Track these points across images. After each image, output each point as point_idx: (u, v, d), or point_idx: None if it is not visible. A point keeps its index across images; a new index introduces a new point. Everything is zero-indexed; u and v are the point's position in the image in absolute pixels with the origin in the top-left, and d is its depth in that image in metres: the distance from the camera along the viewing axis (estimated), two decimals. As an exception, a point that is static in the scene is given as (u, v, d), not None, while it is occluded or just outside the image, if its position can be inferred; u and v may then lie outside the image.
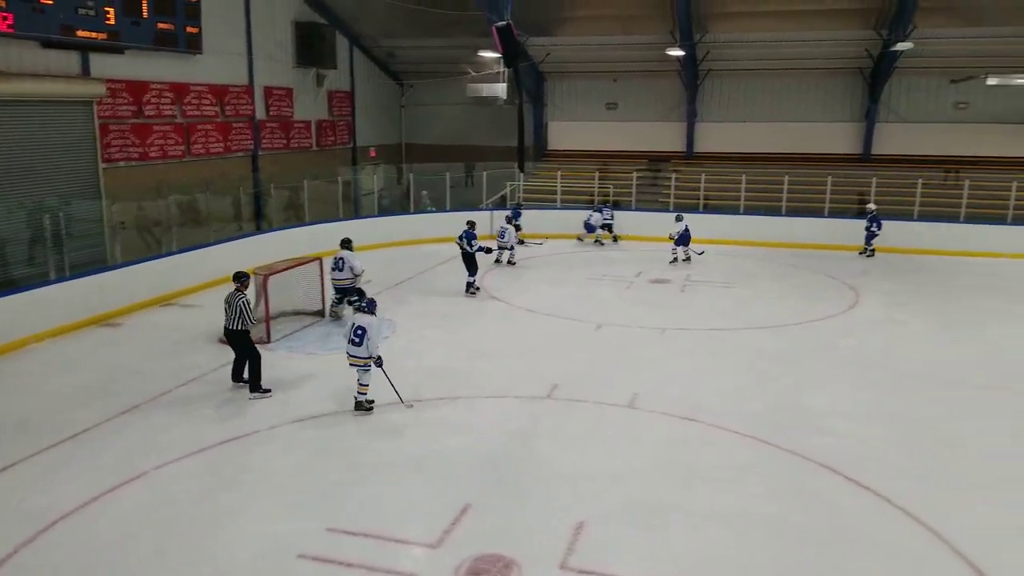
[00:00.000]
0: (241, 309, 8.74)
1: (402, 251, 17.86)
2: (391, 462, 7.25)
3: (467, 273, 13.78)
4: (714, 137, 23.31)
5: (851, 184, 20.20)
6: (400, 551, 5.82)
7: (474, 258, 13.77)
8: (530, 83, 23.57)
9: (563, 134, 24.84)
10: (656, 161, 23.11)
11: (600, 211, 19.23)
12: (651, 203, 21.22)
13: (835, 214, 19.33)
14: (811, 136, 22.54)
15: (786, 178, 19.85)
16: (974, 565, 5.60)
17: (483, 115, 24.21)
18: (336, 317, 12.00)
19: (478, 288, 13.86)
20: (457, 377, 9.53)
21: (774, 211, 19.81)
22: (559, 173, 21.43)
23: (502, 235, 16.09)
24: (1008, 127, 21.08)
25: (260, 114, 19.40)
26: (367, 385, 8.34)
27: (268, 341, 10.69)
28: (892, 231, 17.91)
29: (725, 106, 23.23)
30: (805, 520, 6.28)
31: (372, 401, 8.43)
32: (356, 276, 11.64)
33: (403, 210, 20.36)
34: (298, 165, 20.20)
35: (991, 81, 18.43)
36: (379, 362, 8.22)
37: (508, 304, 13.29)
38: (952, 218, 18.52)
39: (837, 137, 22.49)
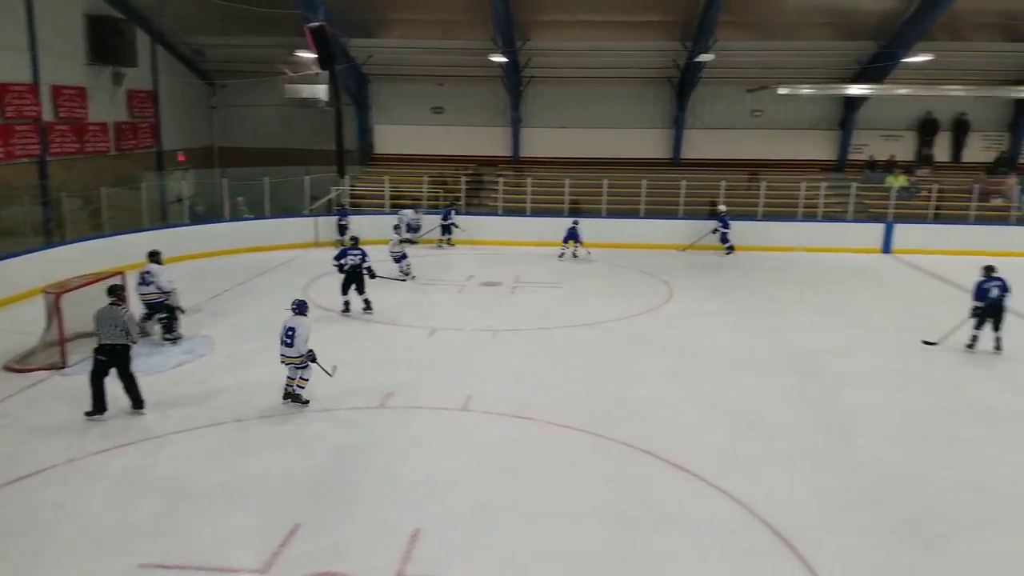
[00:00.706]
0: (125, 323, 8.04)
1: (217, 262, 16.82)
2: (211, 488, 6.74)
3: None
4: (539, 142, 23.97)
5: (664, 187, 21.46)
6: (223, 582, 5.39)
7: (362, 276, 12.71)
8: (352, 85, 23.02)
9: (389, 138, 24.51)
10: (484, 165, 23.37)
11: (416, 209, 19.36)
12: (480, 207, 21.44)
13: (650, 215, 20.48)
14: (627, 141, 23.78)
15: (605, 181, 20.78)
16: (780, 533, 6.06)
17: (303, 117, 23.36)
18: (145, 334, 10.99)
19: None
20: (278, 395, 8.99)
21: (595, 213, 20.66)
22: (386, 178, 21.12)
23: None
24: (797, 132, 23.40)
25: (48, 116, 17.51)
26: (307, 380, 8.57)
27: (64, 366, 9.62)
28: (702, 230, 19.25)
29: (548, 112, 23.94)
30: (631, 505, 6.55)
31: (307, 401, 8.59)
32: (165, 293, 10.72)
33: (217, 218, 19.16)
34: (95, 171, 18.46)
35: (781, 90, 20.24)
36: (312, 357, 8.47)
37: (335, 313, 12.84)
38: (752, 216, 20.23)
39: (650, 142, 23.86)
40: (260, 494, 6.66)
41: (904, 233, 19.56)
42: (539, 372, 9.93)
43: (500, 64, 21.06)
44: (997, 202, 20.48)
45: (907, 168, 22.23)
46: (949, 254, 18.94)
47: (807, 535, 6.02)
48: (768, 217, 20.30)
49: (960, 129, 23.08)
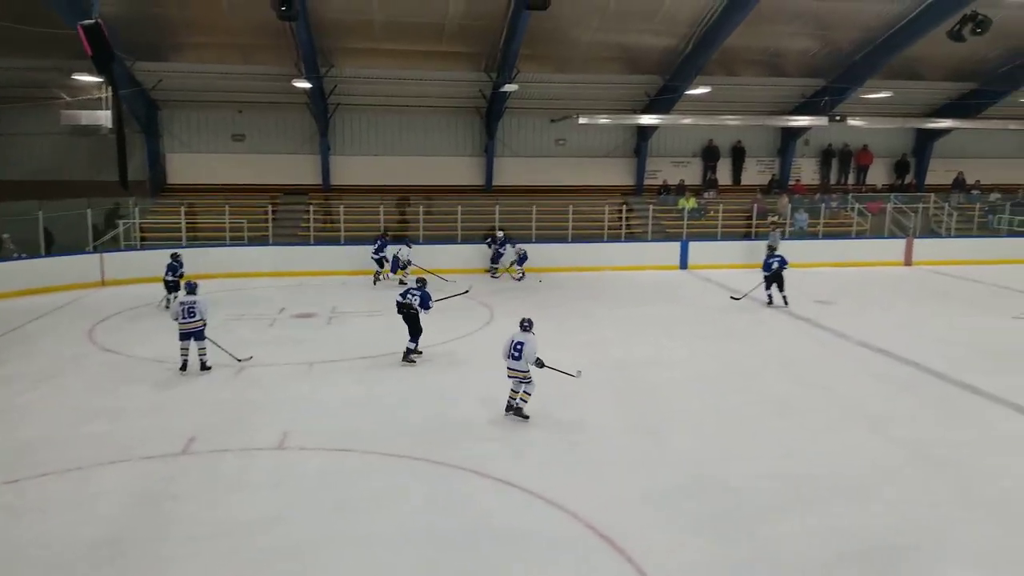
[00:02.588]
0: None
1: (-15, 307, 14.79)
2: (-25, 563, 5.74)
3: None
4: (350, 170, 23.41)
5: (479, 213, 21.82)
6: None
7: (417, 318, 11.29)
8: (140, 112, 21.31)
9: (184, 167, 22.79)
10: (292, 194, 22.48)
11: (408, 244, 18.63)
12: (291, 237, 20.57)
13: (467, 240, 20.68)
14: (440, 169, 23.84)
15: (421, 208, 20.76)
16: (606, 536, 6.16)
17: (84, 146, 21.20)
18: None
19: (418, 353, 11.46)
20: (67, 446, 8.01)
21: (413, 239, 20.54)
22: (183, 209, 19.70)
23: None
24: (598, 159, 24.71)
25: None
26: (531, 395, 8.81)
27: None
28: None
29: (358, 140, 23.52)
30: (459, 525, 6.40)
31: (528, 416, 8.78)
32: None
33: (-18, 258, 16.89)
34: None
35: (582, 120, 21.34)
36: (540, 364, 8.74)
37: (126, 356, 11.66)
38: (562, 239, 21.04)
39: (463, 170, 24.11)
40: (42, 561, 5.79)
41: (697, 250, 21.23)
42: (361, 402, 9.54)
43: (305, 90, 20.42)
44: (773, 219, 22.79)
45: (696, 191, 24.29)
46: (735, 267, 20.86)
47: (632, 535, 6.15)
48: (576, 239, 21.20)
49: (738, 155, 25.55)
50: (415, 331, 11.31)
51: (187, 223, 19.54)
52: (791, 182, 25.66)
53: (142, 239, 19.42)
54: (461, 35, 19.44)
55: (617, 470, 7.55)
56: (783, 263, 15.42)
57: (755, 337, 13.16)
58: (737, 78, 22.31)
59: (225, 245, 19.60)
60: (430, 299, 11.22)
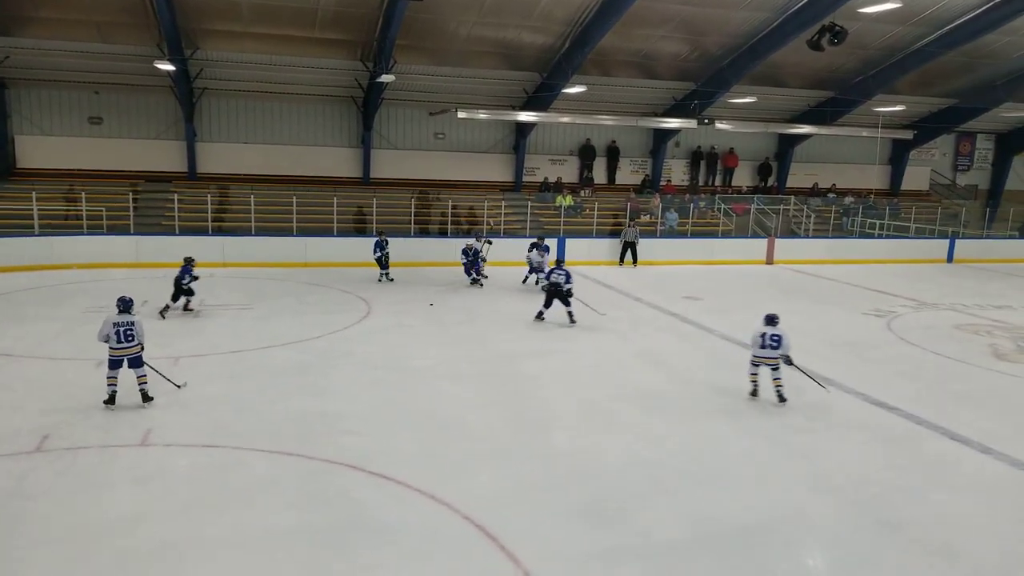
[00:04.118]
0: None
1: None
2: None
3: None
4: (218, 157, 22.52)
5: (356, 204, 21.54)
6: None
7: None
8: (-16, 89, 19.67)
9: (35, 150, 21.21)
10: (155, 182, 21.35)
11: (541, 248, 17.58)
12: (153, 227, 19.57)
13: (342, 233, 20.38)
14: (315, 159, 23.40)
15: (294, 199, 20.26)
16: (482, 527, 6.29)
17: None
18: None
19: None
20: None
21: (286, 231, 20.04)
22: (34, 194, 18.33)
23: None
24: (477, 154, 24.96)
25: None
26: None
27: None
28: (398, 247, 19.61)
29: (227, 127, 22.66)
30: (333, 520, 6.35)
31: (786, 400, 9.64)
32: None
33: None
34: None
35: (461, 114, 21.49)
36: (789, 360, 9.68)
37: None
38: (441, 234, 21.14)
39: (339, 161, 23.74)
40: None
41: (573, 246, 21.85)
42: (232, 397, 9.27)
43: (168, 73, 19.42)
44: (646, 218, 23.82)
45: (573, 189, 24.97)
46: (608, 264, 21.70)
47: (505, 525, 6.29)
48: (455, 235, 21.33)
49: (613, 155, 26.49)
50: (566, 302, 13.87)
51: (39, 210, 18.18)
52: (662, 182, 26.86)
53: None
54: (336, 21, 19.10)
55: (495, 462, 7.68)
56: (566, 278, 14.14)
57: (623, 331, 13.72)
58: (612, 78, 23.11)
59: (82, 234, 18.41)
60: (571, 276, 14.08)
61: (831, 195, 28.31)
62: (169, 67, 18.71)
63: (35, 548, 5.71)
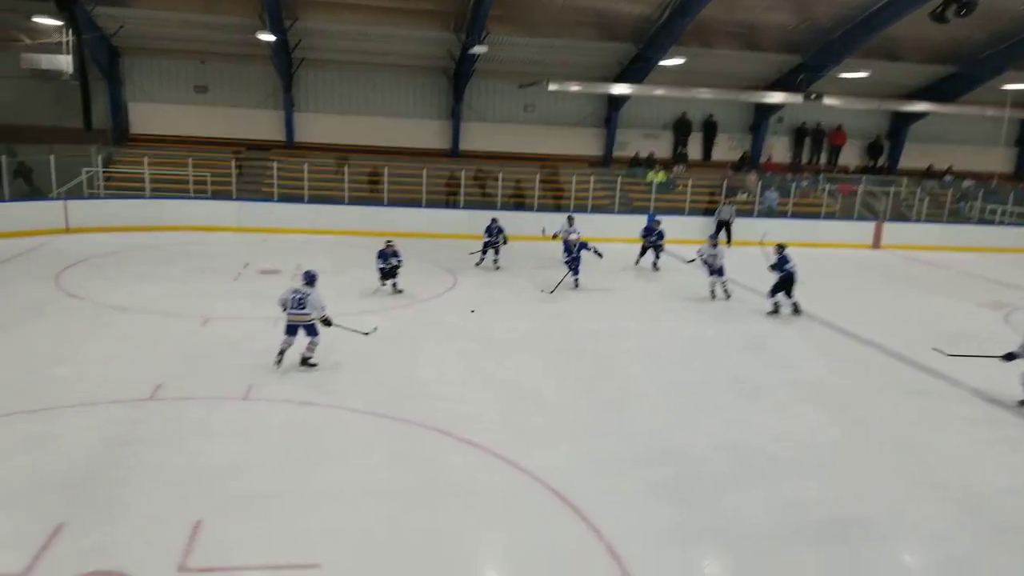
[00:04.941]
0: None
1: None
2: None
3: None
4: (314, 127, 23.14)
5: (445, 177, 21.82)
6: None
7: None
8: (102, 58, 20.75)
9: (147, 117, 22.33)
10: (255, 149, 22.20)
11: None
12: (254, 193, 20.39)
13: (431, 204, 20.72)
14: (405, 131, 23.65)
15: (386, 170, 20.70)
16: (564, 498, 6.39)
17: (46, 92, 20.63)
18: None
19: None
20: (35, 389, 8.08)
21: (377, 202, 20.53)
22: (146, 159, 19.38)
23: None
24: (567, 128, 24.69)
25: None
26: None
27: None
28: (483, 219, 19.79)
29: (323, 97, 23.20)
30: (419, 481, 6.58)
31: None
32: None
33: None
34: None
35: (552, 87, 21.30)
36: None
37: (93, 303, 11.63)
38: (528, 207, 21.18)
39: (429, 133, 23.95)
40: (12, 496, 5.90)
41: (664, 224, 21.45)
42: (323, 360, 9.59)
43: (269, 43, 20.01)
44: (743, 197, 23.15)
45: (665, 165, 24.48)
46: (701, 243, 21.16)
47: (587, 498, 6.36)
48: (542, 208, 21.34)
49: (709, 130, 25.74)
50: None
51: (150, 174, 19.23)
52: (762, 160, 25.98)
53: (105, 188, 19.08)
54: (430, -8, 19.06)
55: (577, 437, 7.74)
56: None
57: (717, 314, 13.49)
58: (712, 50, 22.28)
59: (188, 198, 19.38)
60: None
61: (948, 178, 26.54)
62: (270, 37, 19.28)
63: (150, 487, 6.17)
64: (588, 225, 20.45)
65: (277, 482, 6.39)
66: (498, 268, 16.34)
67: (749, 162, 25.68)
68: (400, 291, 13.44)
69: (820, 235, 22.38)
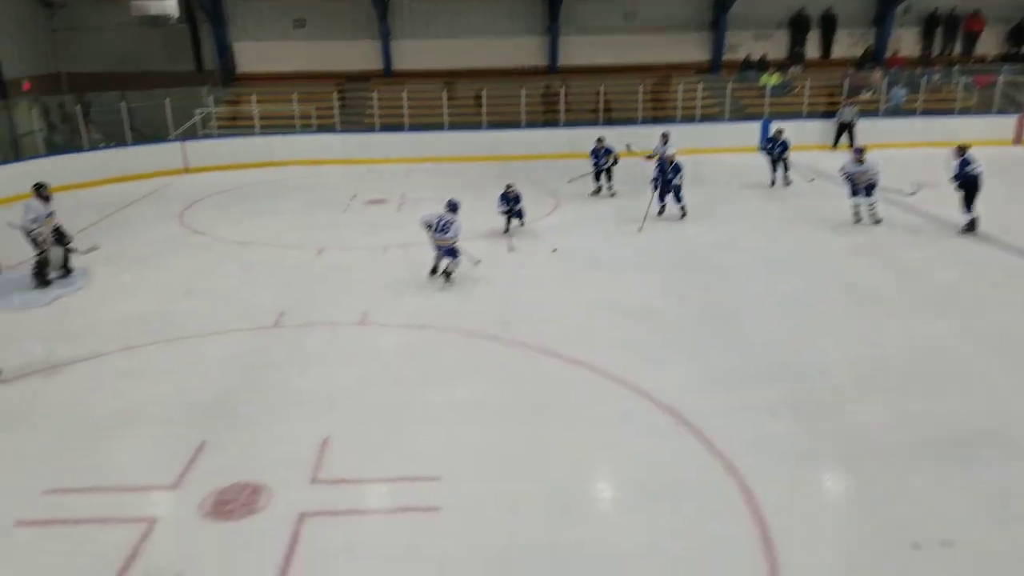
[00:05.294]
0: None
1: (80, 194, 15.57)
2: (107, 416, 6.43)
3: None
4: (410, 54, 23.03)
5: (543, 95, 21.35)
6: (134, 499, 5.28)
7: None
8: (206, 1, 21.29)
9: (251, 56, 22.83)
10: (355, 81, 22.41)
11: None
12: (356, 124, 20.69)
13: (531, 124, 20.40)
14: (501, 51, 23.10)
15: (484, 92, 20.46)
16: (678, 414, 6.33)
17: (155, 37, 21.46)
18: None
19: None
20: (170, 319, 8.65)
21: (475, 125, 20.40)
22: (254, 97, 19.94)
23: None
24: (670, 35, 23.44)
25: None
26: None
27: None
28: (585, 137, 19.35)
29: (418, 23, 22.95)
30: (533, 399, 6.67)
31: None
32: (24, 231, 9.57)
33: (76, 148, 17.59)
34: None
35: (654, -13, 20.14)
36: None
37: (215, 239, 12.26)
38: (632, 121, 20.51)
39: (526, 51, 23.32)
40: (159, 417, 6.41)
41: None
42: (433, 284, 9.85)
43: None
44: (866, 96, 21.51)
45: (780, 66, 22.95)
46: (820, 148, 20.04)
47: (701, 414, 6.28)
48: (647, 121, 20.62)
49: (828, 25, 23.80)
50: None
51: (259, 111, 19.80)
52: (888, 54, 23.91)
53: (218, 127, 19.84)
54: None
55: (690, 353, 7.61)
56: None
57: (838, 221, 12.74)
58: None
59: (295, 133, 19.88)
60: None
61: (1102, 60, 23.73)
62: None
63: (281, 408, 6.56)
64: (697, 136, 19.84)
65: (396, 401, 6.64)
66: (613, 195, 15.15)
67: (873, 58, 23.73)
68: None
69: (954, 133, 20.50)
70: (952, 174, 11.81)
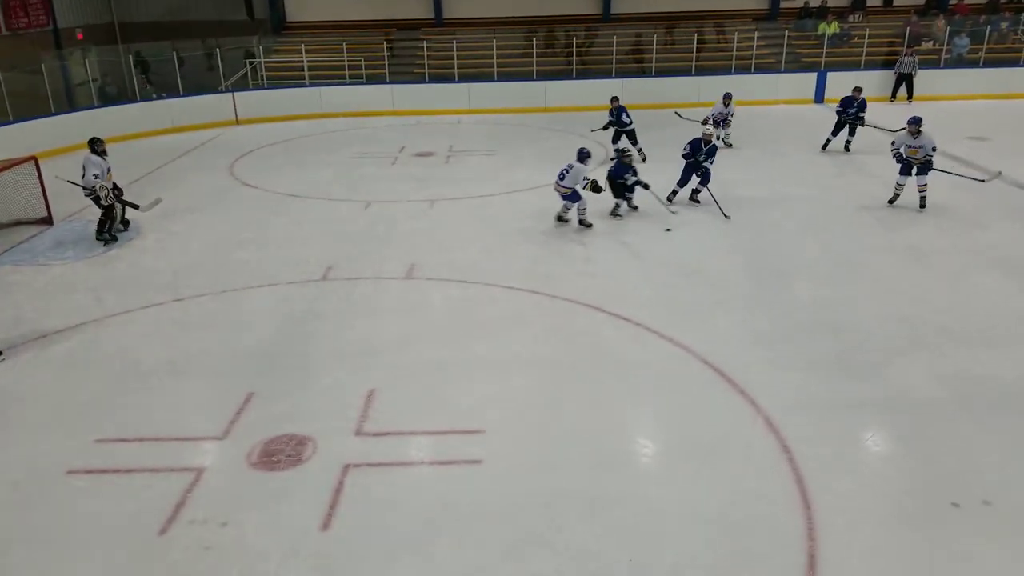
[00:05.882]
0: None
1: (134, 145, 15.89)
2: (158, 365, 6.61)
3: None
4: (462, 2, 22.71)
5: (596, 45, 20.85)
6: (183, 449, 5.43)
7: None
8: (258, -53, 21.24)
9: (301, 5, 22.83)
10: (405, 30, 22.19)
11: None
12: (406, 75, 20.54)
13: (582, 75, 19.98)
14: (553, -1, 22.66)
15: (534, 41, 20.07)
16: (720, 370, 6.29)
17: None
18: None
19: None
20: (220, 270, 8.83)
21: (526, 76, 20.07)
22: (303, 47, 19.92)
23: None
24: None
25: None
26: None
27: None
28: (633, 91, 18.93)
29: (470, -32, 22.59)
30: (577, 353, 6.68)
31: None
32: (88, 187, 9.63)
33: (127, 99, 17.89)
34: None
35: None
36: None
37: (265, 191, 12.39)
38: (686, 71, 19.94)
39: (577, -1, 22.81)
40: (208, 367, 6.57)
41: (836, 81, 19.57)
42: (480, 238, 9.83)
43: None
44: (928, 45, 20.54)
45: (840, 14, 21.99)
46: (878, 100, 19.23)
47: (745, 370, 6.25)
48: (701, 72, 20.03)
49: (891, -29, 22.71)
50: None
51: (308, 61, 19.79)
52: (952, 2, 22.69)
53: (268, 78, 19.91)
54: None
55: (735, 310, 7.54)
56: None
57: (885, 177, 12.26)
58: None
59: (345, 83, 19.84)
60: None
61: None
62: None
63: (329, 358, 6.67)
64: (752, 87, 19.18)
65: (441, 354, 6.70)
66: (644, 159, 13.66)
67: (936, 5, 22.52)
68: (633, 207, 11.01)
69: (1016, 84, 19.56)
70: None
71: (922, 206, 10.49)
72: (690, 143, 10.79)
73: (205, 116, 17.82)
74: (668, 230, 9.99)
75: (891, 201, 10.77)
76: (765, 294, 7.91)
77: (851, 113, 13.72)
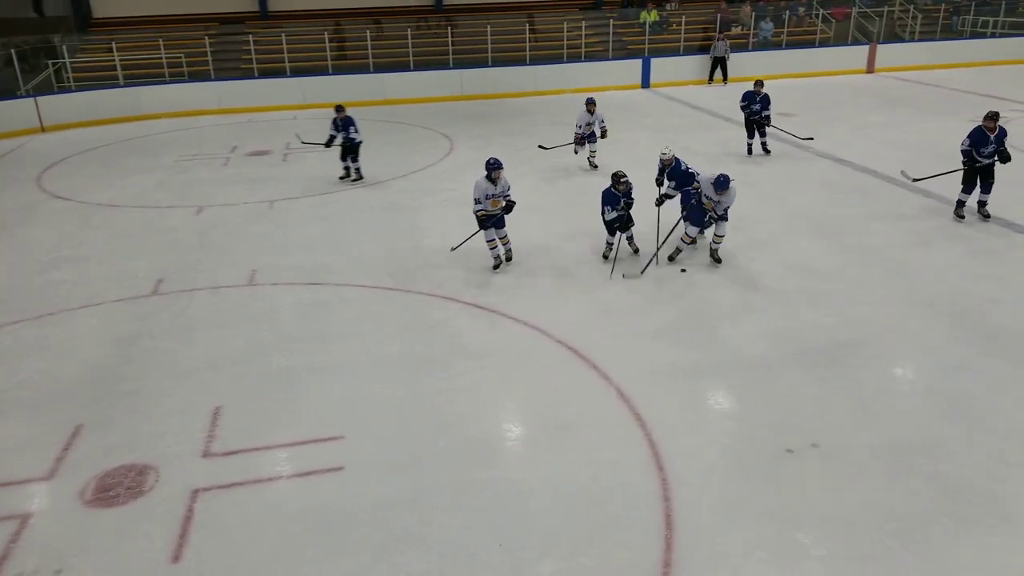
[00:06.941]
0: None
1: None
2: (-37, 407, 5.87)
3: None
4: (287, -7, 21.86)
5: (431, 37, 20.74)
6: (6, 494, 4.86)
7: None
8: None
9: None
10: (228, 24, 21.03)
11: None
12: (232, 71, 19.51)
13: (419, 67, 19.82)
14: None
15: (368, 33, 19.68)
16: (574, 349, 6.45)
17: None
18: None
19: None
20: (34, 294, 7.99)
21: (363, 69, 19.66)
22: (114, 44, 18.41)
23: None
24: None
25: None
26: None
27: None
28: (474, 79, 19.05)
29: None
30: (431, 347, 6.62)
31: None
32: None
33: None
34: None
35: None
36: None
37: (80, 203, 11.36)
38: (520, 61, 20.27)
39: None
40: (28, 402, 5.93)
41: (659, 67, 20.63)
42: (326, 238, 9.51)
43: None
44: (737, 30, 22.06)
45: (658, 3, 23.14)
46: (696, 83, 20.54)
47: (595, 347, 6.47)
48: (535, 61, 20.43)
49: (700, -39, 24.10)
50: None
51: (121, 60, 18.31)
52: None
53: (75, 80, 18.24)
54: None
55: (577, 291, 7.73)
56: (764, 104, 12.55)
57: (713, 152, 13.14)
58: None
59: (165, 82, 18.57)
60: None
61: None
62: None
63: (165, 381, 6.18)
64: (586, 74, 19.83)
65: (292, 362, 6.42)
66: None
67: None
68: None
69: (814, 63, 21.59)
70: None
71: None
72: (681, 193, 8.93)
73: (3, 124, 16.07)
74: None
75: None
76: (602, 272, 8.17)
77: (756, 111, 12.66)
